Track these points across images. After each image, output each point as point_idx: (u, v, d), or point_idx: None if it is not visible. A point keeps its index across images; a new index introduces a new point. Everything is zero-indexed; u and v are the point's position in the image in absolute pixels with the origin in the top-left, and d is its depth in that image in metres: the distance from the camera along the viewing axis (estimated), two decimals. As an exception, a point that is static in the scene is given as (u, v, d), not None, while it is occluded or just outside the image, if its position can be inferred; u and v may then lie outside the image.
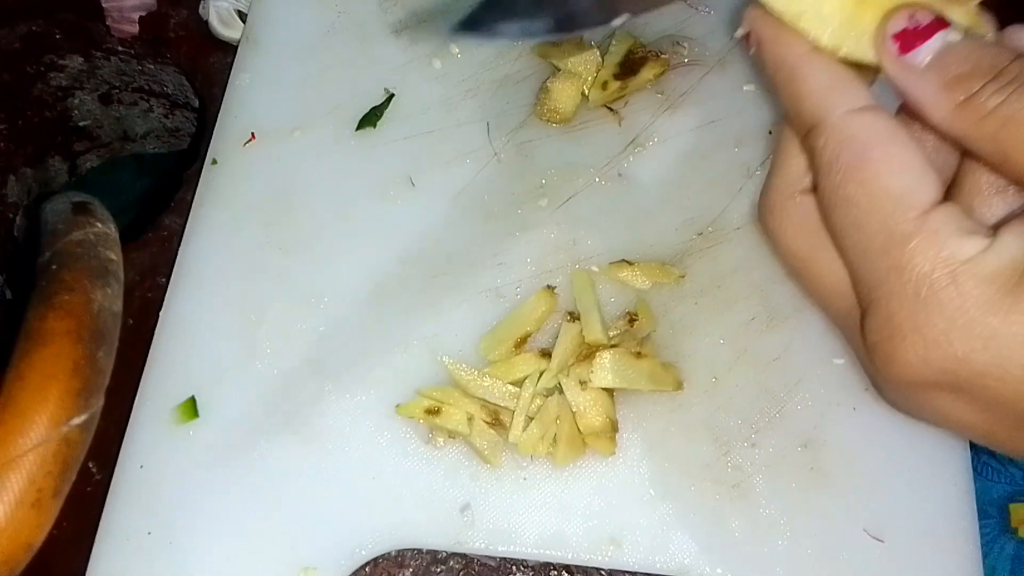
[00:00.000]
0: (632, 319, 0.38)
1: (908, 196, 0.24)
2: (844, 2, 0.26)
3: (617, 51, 0.43)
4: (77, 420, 0.24)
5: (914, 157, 0.25)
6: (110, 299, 0.27)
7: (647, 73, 0.42)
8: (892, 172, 0.24)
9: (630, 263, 0.39)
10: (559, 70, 0.43)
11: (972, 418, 0.25)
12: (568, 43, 0.44)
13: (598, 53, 0.42)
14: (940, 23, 0.25)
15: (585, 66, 0.42)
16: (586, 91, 0.42)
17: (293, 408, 0.36)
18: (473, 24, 0.28)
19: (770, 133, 0.42)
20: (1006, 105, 0.23)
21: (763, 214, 0.29)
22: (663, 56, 0.43)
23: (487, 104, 0.43)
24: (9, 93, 0.55)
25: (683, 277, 0.39)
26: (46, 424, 0.23)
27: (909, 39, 0.25)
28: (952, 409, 0.26)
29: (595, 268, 0.39)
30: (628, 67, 0.43)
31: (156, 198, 0.47)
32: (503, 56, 0.44)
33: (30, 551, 0.25)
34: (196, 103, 0.55)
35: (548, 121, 0.43)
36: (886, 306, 0.25)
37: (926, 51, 0.25)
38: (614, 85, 0.42)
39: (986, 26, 0.26)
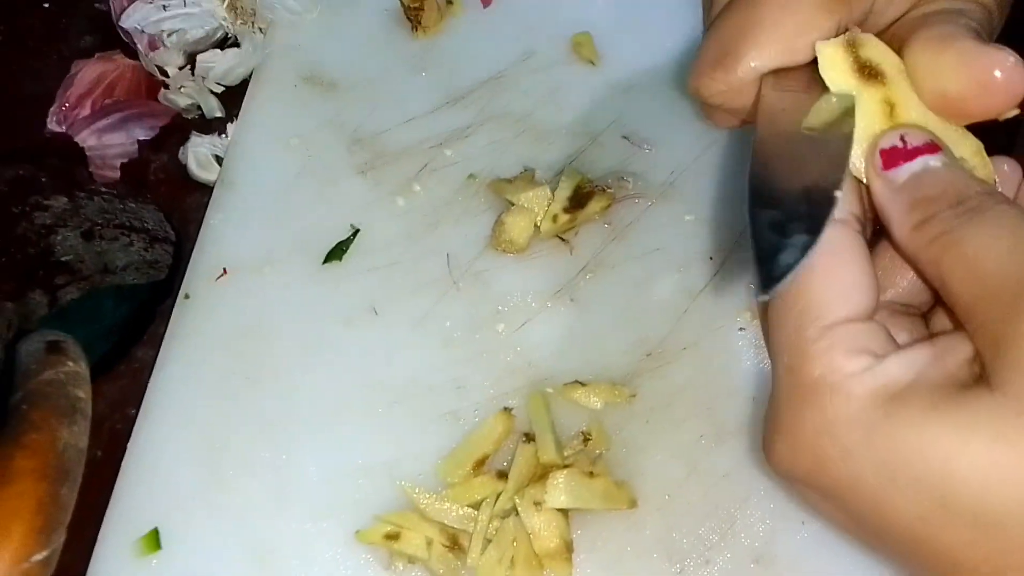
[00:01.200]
0: (586, 438, 0.39)
1: (824, 306, 0.25)
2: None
3: (566, 186, 0.46)
4: (39, 556, 0.25)
5: (849, 271, 0.26)
6: (76, 436, 0.28)
7: (595, 206, 0.46)
8: (820, 281, 0.26)
9: (583, 384, 0.41)
10: (513, 205, 0.46)
11: (838, 519, 0.27)
12: (520, 180, 0.47)
13: (548, 189, 0.46)
14: (930, 148, 0.26)
15: (537, 201, 0.46)
16: (538, 223, 0.45)
17: (254, 537, 0.37)
18: None
19: (711, 259, 0.45)
20: (952, 231, 0.24)
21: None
22: (609, 190, 0.47)
23: (446, 237, 0.46)
24: (-6, 232, 0.57)
25: (634, 396, 0.41)
26: (8, 561, 0.24)
27: (894, 157, 0.26)
28: (821, 507, 0.27)
29: (550, 389, 0.41)
30: (577, 201, 0.46)
31: (131, 329, 0.49)
32: (461, 192, 0.48)
33: None
34: (174, 237, 0.58)
35: (504, 251, 0.45)
36: (776, 400, 0.26)
37: (906, 170, 0.26)
38: (564, 218, 0.45)
39: (989, 167, 0.28)
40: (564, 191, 0.46)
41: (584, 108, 0.51)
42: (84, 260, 0.63)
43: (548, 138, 0.50)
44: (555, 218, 0.45)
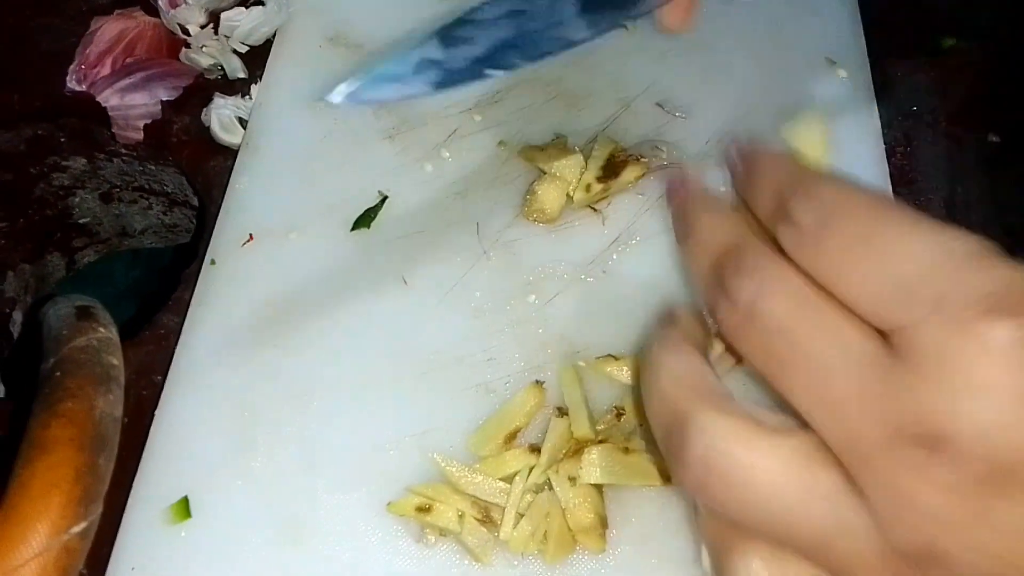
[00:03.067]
0: (619, 413, 0.39)
1: None
2: None
3: (600, 155, 0.45)
4: (77, 528, 0.24)
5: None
6: (112, 405, 0.28)
7: (628, 175, 0.45)
8: None
9: (616, 358, 0.40)
10: (544, 173, 0.45)
11: None
12: (553, 147, 0.46)
13: (582, 157, 0.45)
14: None
15: (570, 169, 0.44)
16: (571, 193, 0.44)
17: (285, 506, 0.37)
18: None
19: (747, 231, 0.44)
20: None
21: None
22: (643, 159, 0.46)
23: (476, 205, 0.45)
24: (11, 193, 0.57)
25: (667, 371, 0.40)
26: (47, 533, 0.23)
27: None
28: None
29: (582, 363, 0.41)
30: (610, 170, 0.45)
31: (153, 295, 0.48)
32: (491, 159, 0.46)
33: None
34: (195, 201, 0.57)
35: (535, 221, 0.44)
36: None
37: None
38: (597, 187, 0.44)
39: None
40: (597, 160, 0.45)
41: (616, 73, 0.50)
42: (102, 223, 0.62)
43: (579, 104, 0.49)
44: (588, 187, 0.44)
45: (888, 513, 0.23)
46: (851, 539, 0.24)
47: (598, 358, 0.40)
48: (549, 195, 0.44)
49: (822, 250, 0.26)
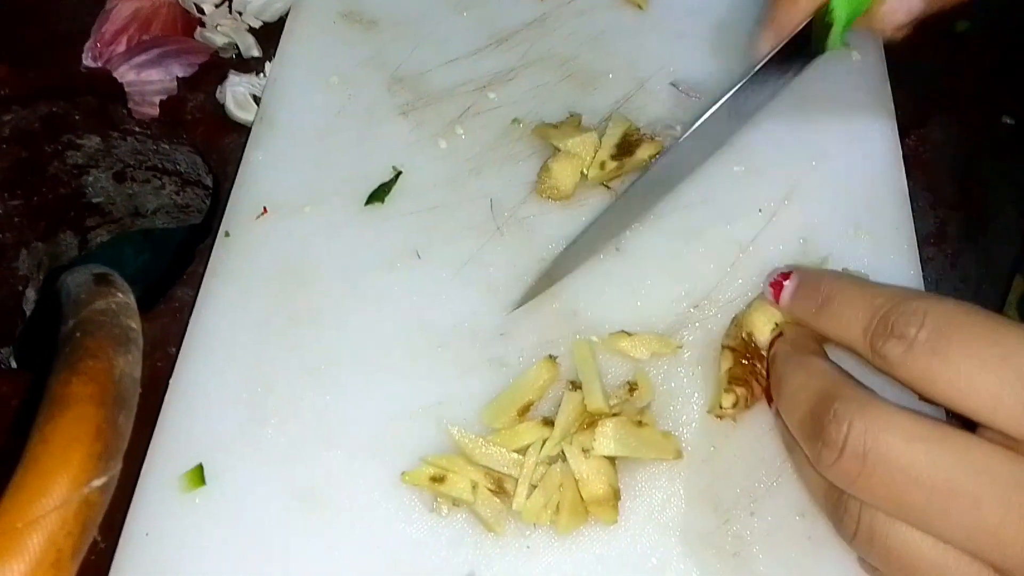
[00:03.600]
0: (632, 388, 0.39)
1: None
2: None
3: (614, 133, 0.45)
4: (97, 482, 0.24)
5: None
6: (131, 366, 0.28)
7: (642, 153, 0.45)
8: None
9: (629, 334, 0.40)
10: (559, 150, 0.45)
11: None
12: (567, 125, 0.46)
13: (596, 135, 0.45)
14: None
15: (584, 147, 0.45)
16: (585, 171, 0.45)
17: (299, 476, 0.37)
18: None
19: (760, 211, 0.44)
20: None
21: None
22: (657, 139, 0.46)
23: (490, 182, 0.45)
24: (26, 170, 0.57)
25: (680, 348, 0.40)
26: (68, 485, 0.24)
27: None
28: None
29: (595, 338, 0.41)
30: (624, 148, 0.45)
31: (166, 272, 0.49)
32: (505, 137, 0.47)
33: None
34: (207, 180, 0.57)
35: (548, 198, 0.44)
36: None
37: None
38: (611, 165, 0.44)
39: None
40: (611, 138, 0.45)
41: (631, 53, 0.50)
42: (115, 202, 0.63)
43: (593, 83, 0.49)
44: (602, 165, 0.44)
45: None
46: None
47: (611, 334, 0.40)
48: (563, 172, 0.44)
49: (945, 359, 0.26)
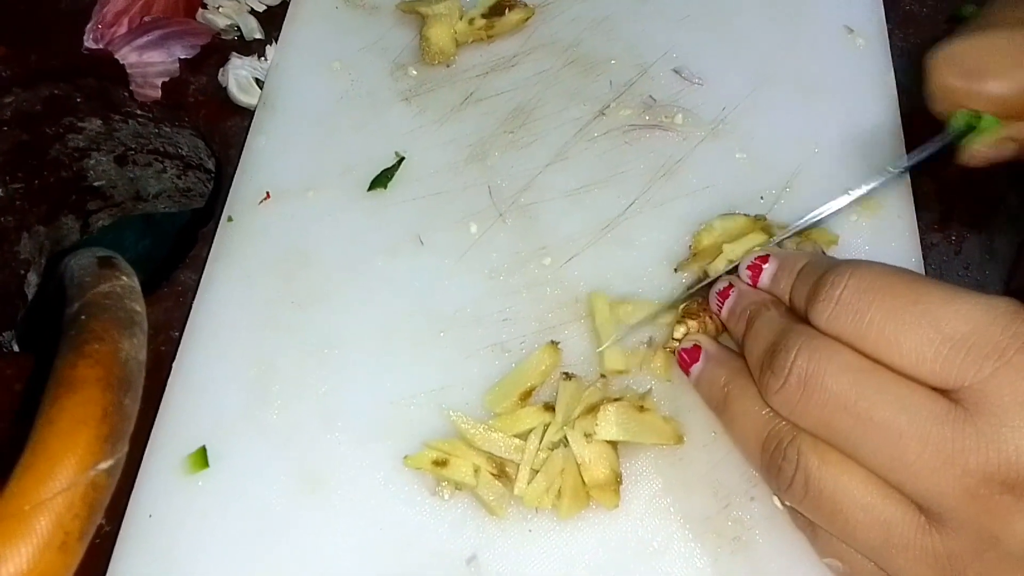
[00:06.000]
0: (651, 344, 0.39)
1: None
2: None
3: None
4: (104, 465, 0.25)
5: None
6: (136, 348, 0.28)
7: (513, 17, 0.48)
8: None
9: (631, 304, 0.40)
10: (427, 17, 0.48)
11: None
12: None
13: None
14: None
15: (448, 7, 0.48)
16: (456, 30, 0.48)
17: (302, 459, 0.37)
18: None
19: (761, 199, 0.44)
20: None
21: None
22: (528, 6, 0.49)
23: (492, 168, 0.45)
24: (27, 153, 0.57)
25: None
26: (75, 468, 0.24)
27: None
28: None
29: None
30: (496, 10, 0.49)
31: (168, 256, 0.49)
32: (507, 123, 0.46)
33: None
34: (209, 164, 0.57)
35: (437, 63, 0.48)
36: None
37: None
38: (480, 22, 0.48)
39: None
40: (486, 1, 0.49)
41: (634, 39, 0.50)
42: (117, 186, 0.62)
43: (597, 69, 0.48)
44: (471, 21, 0.48)
45: (968, 554, 0.25)
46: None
47: (611, 301, 0.41)
48: (439, 35, 0.47)
49: (866, 319, 0.28)
